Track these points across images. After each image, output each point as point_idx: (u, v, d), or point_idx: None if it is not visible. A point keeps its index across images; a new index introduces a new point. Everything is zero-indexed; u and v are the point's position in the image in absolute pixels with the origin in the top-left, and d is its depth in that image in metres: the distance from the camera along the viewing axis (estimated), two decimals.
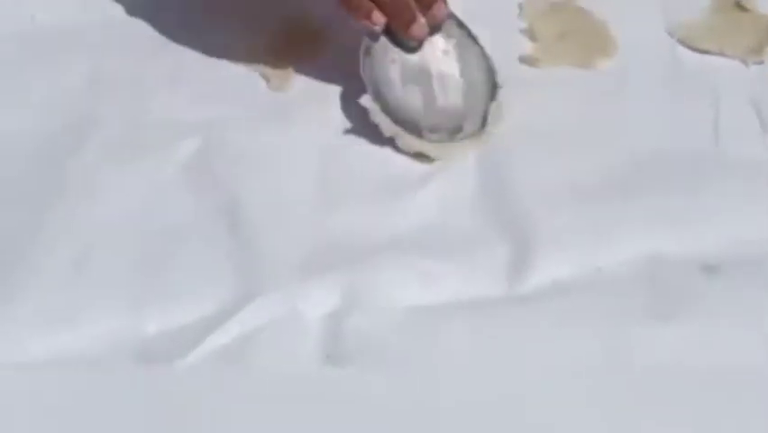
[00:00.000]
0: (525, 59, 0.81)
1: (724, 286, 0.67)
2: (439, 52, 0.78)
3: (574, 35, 0.83)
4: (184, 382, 0.64)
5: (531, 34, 0.83)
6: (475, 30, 0.81)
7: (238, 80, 0.80)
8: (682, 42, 0.82)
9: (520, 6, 0.85)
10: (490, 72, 0.78)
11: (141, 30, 0.83)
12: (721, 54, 0.81)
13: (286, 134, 0.76)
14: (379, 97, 0.76)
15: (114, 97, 0.79)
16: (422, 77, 0.77)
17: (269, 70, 0.80)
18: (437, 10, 0.77)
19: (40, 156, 0.74)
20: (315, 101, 0.78)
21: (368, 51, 0.77)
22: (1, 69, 0.81)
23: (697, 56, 0.82)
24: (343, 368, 0.64)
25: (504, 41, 0.82)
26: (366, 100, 0.76)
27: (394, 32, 0.77)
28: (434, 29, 0.78)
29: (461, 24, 0.79)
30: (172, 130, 0.76)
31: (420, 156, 0.75)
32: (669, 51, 0.82)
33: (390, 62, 0.77)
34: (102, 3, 0.85)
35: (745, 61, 0.81)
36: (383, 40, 0.77)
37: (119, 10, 0.85)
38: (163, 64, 0.81)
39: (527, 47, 0.82)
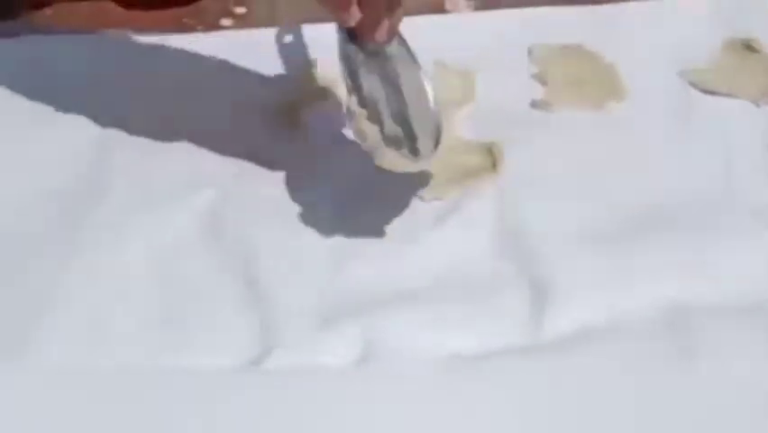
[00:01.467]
0: (536, 104, 0.82)
1: (746, 329, 0.67)
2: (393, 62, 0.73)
3: (585, 79, 0.83)
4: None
5: (542, 79, 0.83)
6: (486, 75, 0.82)
7: (252, 129, 0.80)
8: (693, 85, 0.82)
9: (530, 51, 0.85)
10: (427, 93, 0.72)
11: (158, 81, 0.83)
12: (732, 96, 0.81)
13: (300, 184, 0.76)
14: (363, 103, 0.71)
15: (129, 151, 0.78)
16: (381, 86, 0.73)
17: (282, 119, 0.80)
18: (398, 16, 0.72)
19: (57, 212, 0.74)
20: (328, 149, 0.78)
21: (345, 54, 0.73)
22: (17, 125, 0.81)
23: (708, 98, 0.82)
24: (364, 415, 0.63)
25: (515, 85, 0.83)
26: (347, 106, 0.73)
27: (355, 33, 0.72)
28: (391, 36, 0.73)
29: (402, 40, 0.74)
30: (188, 181, 0.76)
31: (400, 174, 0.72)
32: (680, 94, 0.82)
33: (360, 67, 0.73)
34: (116, 55, 0.86)
35: (756, 103, 0.81)
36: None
37: (133, 63, 0.85)
38: (178, 114, 0.80)
39: (538, 91, 0.83)
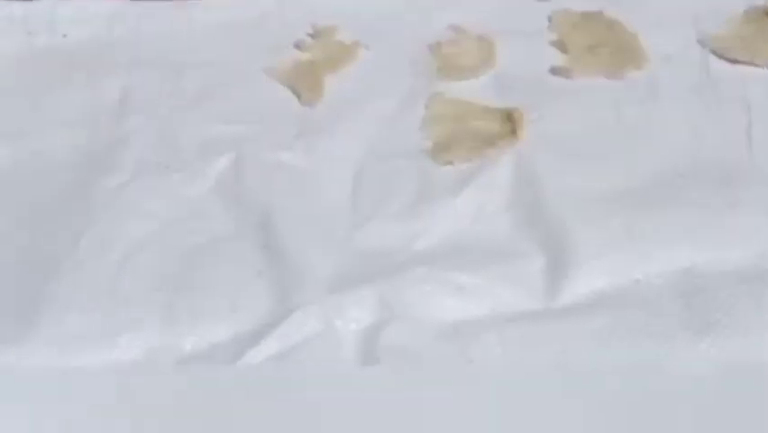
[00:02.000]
0: (556, 71, 0.81)
1: (762, 296, 0.66)
2: None
3: (605, 46, 0.83)
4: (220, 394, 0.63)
5: (561, 46, 0.83)
6: (506, 42, 0.81)
7: (270, 96, 0.80)
8: (714, 52, 0.82)
9: (550, 18, 0.85)
10: None
11: (173, 46, 0.84)
12: (753, 63, 0.81)
13: (318, 149, 0.76)
14: None
15: (146, 115, 0.79)
16: None
17: (300, 86, 0.81)
18: None
19: (74, 174, 0.75)
20: (346, 114, 0.78)
21: None
22: (34, 87, 0.81)
23: (728, 65, 0.81)
24: (380, 382, 0.63)
25: (534, 52, 0.82)
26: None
27: None
28: None
29: None
30: (205, 146, 0.76)
31: None
32: (700, 61, 0.82)
33: None
34: (132, 20, 0.86)
35: None
36: None
37: (149, 27, 0.85)
38: (195, 81, 0.81)
39: (558, 58, 0.82)
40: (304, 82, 0.81)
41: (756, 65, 0.81)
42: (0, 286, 0.68)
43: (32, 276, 0.69)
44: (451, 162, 0.75)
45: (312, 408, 0.62)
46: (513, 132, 0.76)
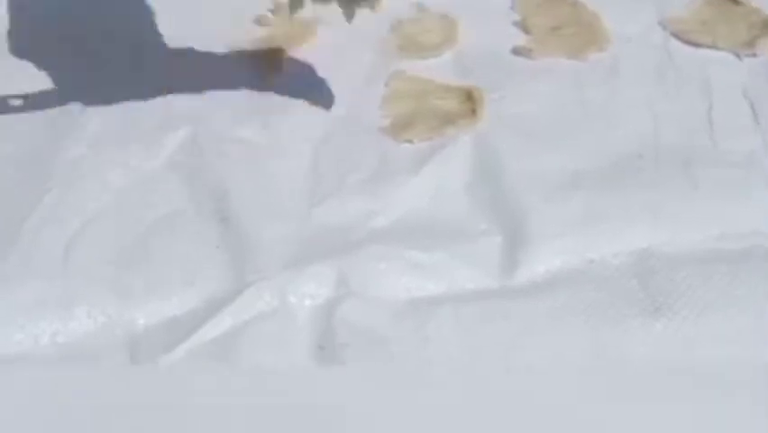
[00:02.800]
0: (518, 51, 0.81)
1: (717, 278, 0.66)
2: None
3: (567, 27, 0.83)
4: (173, 377, 0.63)
5: (524, 26, 0.83)
6: (468, 21, 0.81)
7: (228, 71, 0.80)
8: (675, 35, 0.82)
9: None
10: None
11: (130, 19, 0.83)
12: (714, 47, 0.81)
13: (275, 125, 0.76)
14: None
15: (101, 90, 0.78)
16: None
17: (258, 61, 0.80)
18: None
19: (29, 148, 0.74)
20: (305, 91, 0.78)
21: None
22: None
23: (690, 49, 0.82)
24: (334, 360, 0.63)
25: (497, 31, 0.83)
26: None
27: None
28: None
29: None
30: (161, 121, 0.76)
31: None
32: (662, 44, 0.82)
33: None
34: None
35: (737, 54, 0.80)
36: None
37: (106, 4, 0.85)
38: (151, 55, 0.81)
39: (520, 38, 0.82)
40: (263, 57, 0.80)
41: (717, 48, 0.81)
42: None
43: None
44: (410, 140, 0.75)
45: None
46: (473, 111, 0.76)
